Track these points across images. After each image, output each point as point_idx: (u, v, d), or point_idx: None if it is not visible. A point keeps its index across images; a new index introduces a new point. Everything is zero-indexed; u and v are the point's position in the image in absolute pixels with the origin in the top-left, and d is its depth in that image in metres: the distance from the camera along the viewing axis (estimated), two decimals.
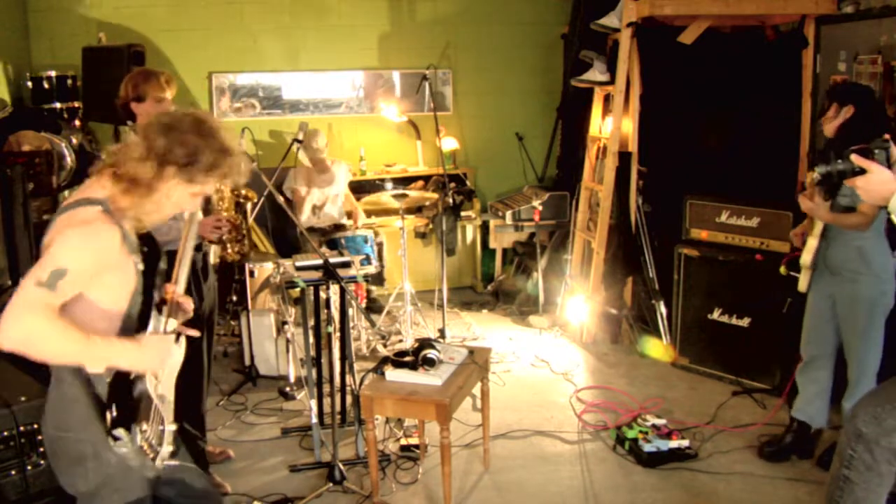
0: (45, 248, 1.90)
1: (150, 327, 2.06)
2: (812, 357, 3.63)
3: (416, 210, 6.37)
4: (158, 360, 2.01)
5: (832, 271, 3.47)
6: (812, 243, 3.49)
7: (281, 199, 4.22)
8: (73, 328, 1.84)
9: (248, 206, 5.16)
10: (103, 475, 1.99)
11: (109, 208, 1.97)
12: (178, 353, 2.15)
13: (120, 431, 1.91)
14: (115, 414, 1.92)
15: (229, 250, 4.92)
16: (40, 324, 1.80)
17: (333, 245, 5.40)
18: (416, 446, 3.82)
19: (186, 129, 1.99)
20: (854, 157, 2.20)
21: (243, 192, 5.00)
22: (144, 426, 1.98)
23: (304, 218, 5.74)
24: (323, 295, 3.86)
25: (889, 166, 2.19)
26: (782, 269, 3.81)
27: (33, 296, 1.81)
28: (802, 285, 3.60)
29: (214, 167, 2.01)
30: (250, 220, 5.23)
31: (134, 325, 2.04)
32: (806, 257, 3.51)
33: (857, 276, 3.37)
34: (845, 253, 3.39)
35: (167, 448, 2.06)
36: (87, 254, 1.88)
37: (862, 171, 2.18)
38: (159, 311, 2.12)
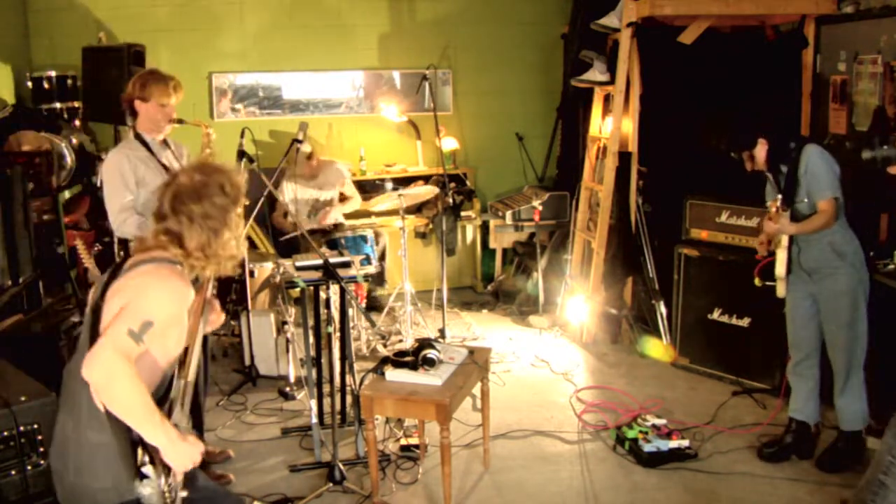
0: (122, 295, 2.00)
1: (173, 391, 2.14)
2: (800, 358, 3.69)
3: (416, 210, 6.38)
4: (186, 463, 2.06)
5: (809, 272, 3.53)
6: (782, 255, 3.55)
7: (281, 199, 4.22)
8: (147, 393, 1.95)
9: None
10: None
11: (183, 268, 2.12)
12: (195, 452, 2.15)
13: (149, 469, 1.98)
14: (145, 451, 1.98)
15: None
16: (126, 373, 1.90)
17: (333, 245, 5.40)
18: (416, 446, 3.82)
19: (214, 192, 2.18)
20: None
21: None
22: (168, 474, 2.04)
23: (289, 219, 5.69)
24: (323, 295, 3.86)
25: None
26: (756, 281, 3.83)
27: (124, 343, 1.93)
28: (781, 291, 3.65)
29: (237, 199, 2.22)
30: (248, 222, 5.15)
31: (166, 385, 2.14)
32: (780, 269, 3.57)
33: (834, 271, 3.45)
34: (819, 251, 3.47)
35: (182, 494, 2.12)
36: (171, 309, 2.04)
37: None
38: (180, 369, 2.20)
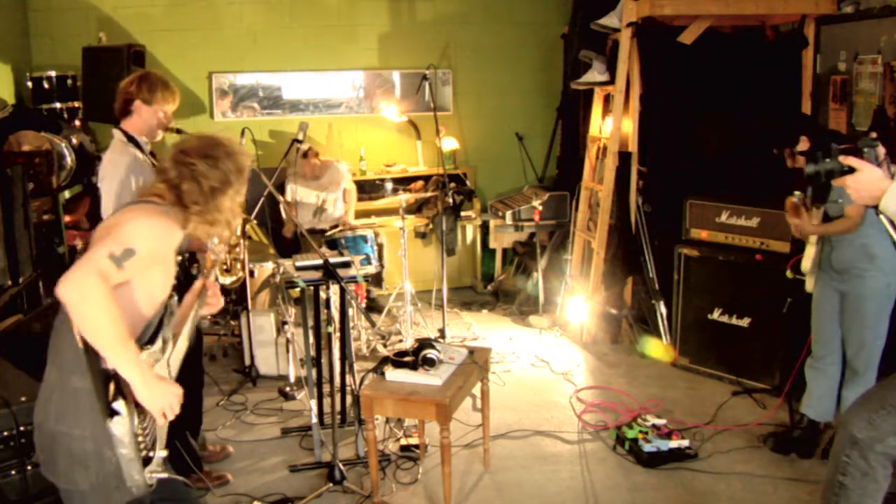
0: (107, 230, 2.01)
1: (158, 342, 2.12)
2: (822, 354, 3.70)
3: (416, 210, 6.38)
4: (160, 403, 2.03)
5: (838, 271, 3.54)
6: (810, 250, 3.58)
7: (281, 199, 4.21)
8: (122, 319, 1.92)
9: (245, 225, 4.95)
10: (104, 474, 2.00)
11: (175, 214, 2.12)
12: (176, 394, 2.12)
13: (120, 404, 1.94)
14: (117, 386, 1.95)
15: (226, 281, 4.81)
16: (100, 292, 1.88)
17: (333, 245, 5.40)
18: (416, 446, 3.82)
19: (221, 155, 2.18)
20: (843, 158, 2.17)
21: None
22: (143, 418, 2.01)
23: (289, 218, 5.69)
24: (323, 295, 3.86)
25: (878, 165, 2.17)
26: (788, 273, 3.86)
27: (104, 265, 1.91)
28: (809, 285, 3.68)
29: (241, 170, 2.22)
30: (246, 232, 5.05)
31: (148, 336, 2.11)
32: (806, 264, 3.60)
33: (863, 273, 3.45)
34: (851, 252, 3.47)
35: (161, 453, 2.09)
36: (155, 243, 2.03)
37: (851, 171, 2.15)
38: (169, 325, 2.18)
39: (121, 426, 1.96)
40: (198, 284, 2.35)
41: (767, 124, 3.82)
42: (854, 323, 3.52)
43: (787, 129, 3.63)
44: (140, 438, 2.01)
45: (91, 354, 1.95)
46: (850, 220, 3.35)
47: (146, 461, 2.05)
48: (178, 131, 3.43)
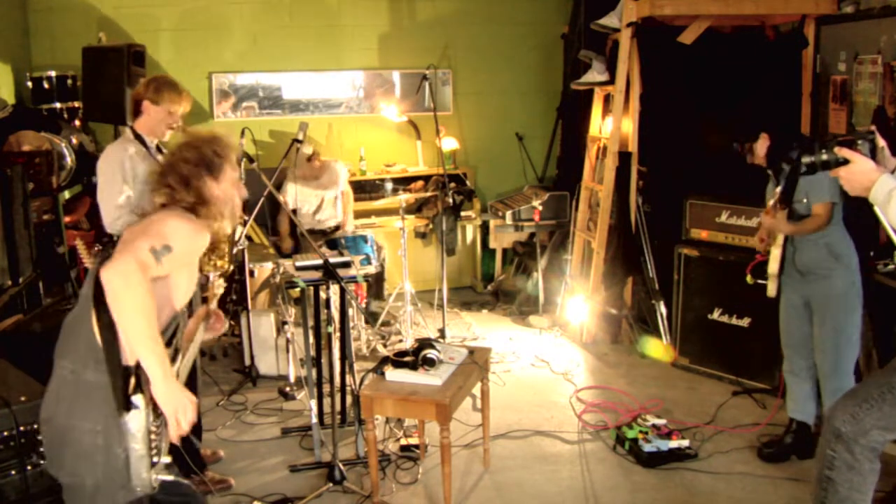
0: (144, 227, 2.09)
1: (172, 348, 2.17)
2: (795, 359, 3.69)
3: (416, 210, 6.38)
4: (174, 404, 2.04)
5: (803, 273, 3.53)
6: (776, 252, 3.56)
7: (281, 199, 4.22)
8: (155, 315, 1.97)
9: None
10: (111, 470, 2.00)
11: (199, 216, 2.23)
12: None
13: (138, 398, 1.97)
14: (137, 380, 1.98)
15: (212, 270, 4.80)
16: (141, 281, 1.93)
17: (333, 245, 5.40)
18: (416, 446, 3.82)
19: (180, 148, 2.30)
20: (838, 149, 2.25)
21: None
22: (157, 416, 2.04)
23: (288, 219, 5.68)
24: (323, 295, 3.86)
25: (873, 158, 2.23)
26: (748, 279, 3.84)
27: (146, 257, 1.97)
28: (772, 291, 3.65)
29: (220, 153, 2.30)
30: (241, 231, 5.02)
31: (167, 339, 2.15)
32: (773, 266, 3.58)
33: (829, 273, 3.46)
34: (815, 252, 3.48)
35: (165, 459, 2.11)
36: (188, 243, 2.12)
37: (845, 162, 2.24)
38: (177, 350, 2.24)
39: (136, 421, 1.98)
40: (202, 311, 2.43)
41: (732, 117, 3.84)
42: (822, 326, 3.50)
43: (748, 124, 3.65)
44: (153, 436, 2.03)
45: (110, 349, 1.98)
46: (819, 218, 3.38)
47: (153, 463, 2.06)
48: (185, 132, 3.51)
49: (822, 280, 3.47)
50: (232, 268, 4.49)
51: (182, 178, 2.22)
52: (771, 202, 3.52)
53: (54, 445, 2.06)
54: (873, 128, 2.30)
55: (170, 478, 2.13)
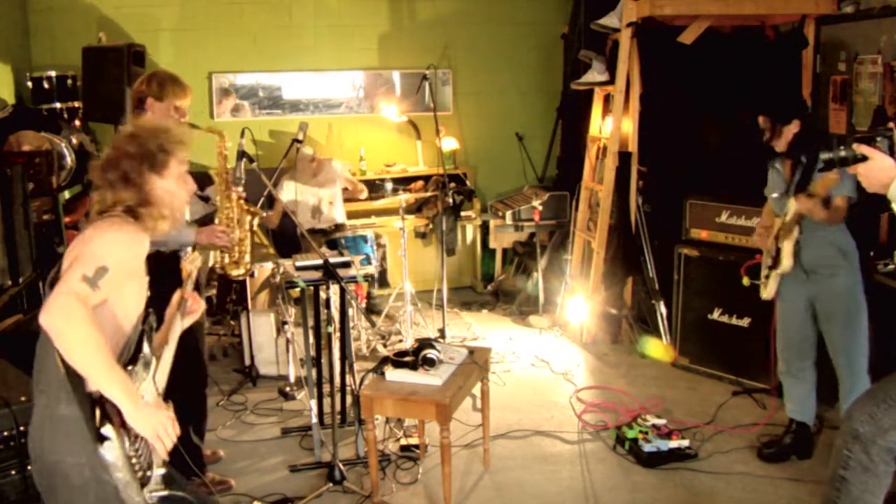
0: (76, 252, 1.96)
1: (140, 361, 2.06)
2: (795, 362, 3.65)
3: (417, 210, 6.38)
4: (152, 426, 1.97)
5: (808, 272, 3.48)
6: (788, 247, 3.47)
7: (280, 199, 4.22)
8: (105, 343, 1.88)
9: (255, 220, 4.92)
10: (105, 497, 1.96)
11: (134, 219, 2.08)
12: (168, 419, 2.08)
13: (108, 429, 1.88)
14: (103, 411, 1.90)
15: (232, 272, 4.77)
16: (81, 316, 1.84)
17: (333, 245, 5.40)
18: (416, 446, 3.82)
19: (123, 141, 2.15)
20: (856, 146, 2.23)
21: (247, 206, 4.83)
22: (134, 439, 1.97)
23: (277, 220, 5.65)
24: (323, 295, 3.86)
25: (891, 154, 2.22)
26: (745, 280, 3.80)
27: (79, 288, 1.87)
28: (770, 292, 3.61)
29: (165, 147, 2.15)
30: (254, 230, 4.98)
31: (129, 355, 2.06)
32: (787, 262, 3.48)
33: (835, 271, 3.43)
34: (823, 250, 3.43)
35: (158, 471, 2.05)
36: (125, 255, 1.99)
37: (864, 159, 2.22)
38: (150, 342, 2.13)
39: (112, 451, 1.90)
40: (176, 297, 2.32)
41: (768, 94, 3.73)
42: (831, 324, 3.47)
43: (785, 105, 3.53)
44: (134, 461, 1.96)
45: (74, 380, 1.90)
46: (842, 211, 3.31)
47: (144, 482, 2.00)
48: (193, 127, 3.48)
49: (827, 279, 3.44)
50: (245, 234, 4.47)
51: (122, 174, 2.08)
52: (776, 194, 3.44)
53: (46, 481, 2.02)
54: (892, 125, 2.29)
55: (165, 493, 2.08)
